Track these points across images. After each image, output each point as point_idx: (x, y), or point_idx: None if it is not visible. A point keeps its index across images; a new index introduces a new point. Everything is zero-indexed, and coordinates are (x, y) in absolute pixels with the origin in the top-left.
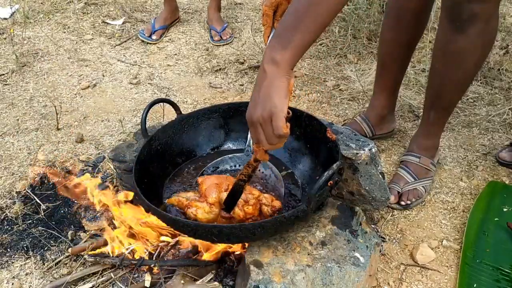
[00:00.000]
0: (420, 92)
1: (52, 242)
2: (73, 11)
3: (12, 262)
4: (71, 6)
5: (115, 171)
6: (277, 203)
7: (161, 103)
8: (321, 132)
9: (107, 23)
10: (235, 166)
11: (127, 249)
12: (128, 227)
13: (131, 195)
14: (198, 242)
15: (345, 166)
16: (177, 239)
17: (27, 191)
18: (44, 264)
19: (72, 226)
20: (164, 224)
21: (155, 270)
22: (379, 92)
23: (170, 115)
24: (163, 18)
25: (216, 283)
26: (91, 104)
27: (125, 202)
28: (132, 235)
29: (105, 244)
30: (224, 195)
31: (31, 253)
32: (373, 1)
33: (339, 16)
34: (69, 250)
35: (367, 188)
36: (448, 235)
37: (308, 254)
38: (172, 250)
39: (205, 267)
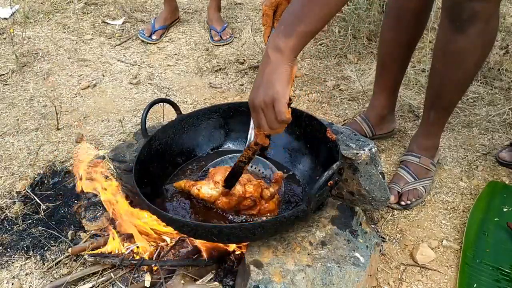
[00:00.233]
0: (420, 92)
1: (52, 242)
2: (73, 11)
3: (12, 262)
4: (71, 6)
5: (115, 171)
6: (276, 186)
7: (161, 103)
8: (321, 132)
9: (107, 23)
10: None
11: (127, 249)
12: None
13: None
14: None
15: (345, 166)
16: (177, 239)
17: (27, 191)
18: (44, 264)
19: (72, 226)
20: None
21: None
22: (379, 92)
23: (170, 115)
24: (163, 18)
25: (216, 283)
26: (91, 104)
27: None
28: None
29: (105, 244)
30: None
31: (31, 253)
32: (373, 1)
33: (339, 16)
34: (69, 250)
35: (367, 188)
36: (448, 235)
37: (308, 254)
38: (172, 250)
39: (205, 267)
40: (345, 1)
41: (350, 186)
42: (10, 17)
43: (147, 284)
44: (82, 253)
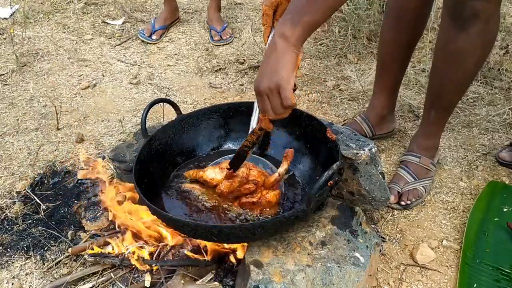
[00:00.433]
0: (420, 92)
1: (52, 242)
2: (73, 11)
3: (12, 262)
4: (71, 6)
5: (115, 171)
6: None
7: (161, 103)
8: (321, 132)
9: (107, 23)
10: None
11: (127, 249)
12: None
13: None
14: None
15: (345, 166)
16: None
17: (27, 191)
18: (44, 264)
19: (72, 226)
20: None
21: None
22: (379, 92)
23: (170, 115)
24: (163, 18)
25: (216, 283)
26: (91, 104)
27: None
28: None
29: (105, 244)
30: None
31: (31, 253)
32: (373, 1)
33: (339, 16)
34: (69, 250)
35: (367, 188)
36: (448, 235)
37: (308, 254)
38: (172, 250)
39: (205, 267)
40: None
41: (350, 186)
42: (10, 17)
43: (147, 284)
44: (82, 253)
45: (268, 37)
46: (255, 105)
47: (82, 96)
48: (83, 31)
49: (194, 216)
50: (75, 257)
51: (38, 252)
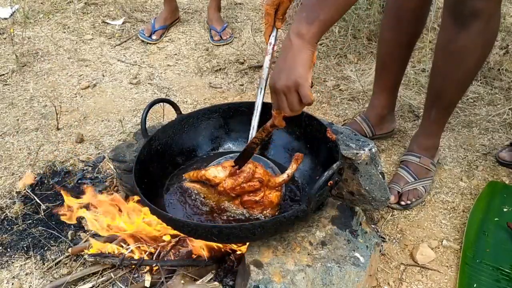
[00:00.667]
0: (420, 92)
1: (52, 242)
2: (73, 11)
3: (12, 262)
4: (71, 6)
5: (115, 171)
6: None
7: (161, 103)
8: (321, 132)
9: (107, 23)
10: None
11: (127, 249)
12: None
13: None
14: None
15: (345, 166)
16: (177, 239)
17: (27, 191)
18: (44, 264)
19: (72, 226)
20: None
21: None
22: (379, 92)
23: (170, 115)
24: (163, 18)
25: (216, 283)
26: (91, 104)
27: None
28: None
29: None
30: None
31: (31, 253)
32: (373, 1)
33: None
34: (69, 250)
35: (367, 188)
36: (448, 235)
37: (308, 254)
38: (172, 250)
39: (205, 267)
40: None
41: (350, 186)
42: (10, 17)
43: (147, 284)
44: (82, 253)
45: (270, 36)
46: (257, 104)
47: (82, 96)
48: (83, 31)
49: (194, 216)
50: (75, 257)
51: (38, 252)
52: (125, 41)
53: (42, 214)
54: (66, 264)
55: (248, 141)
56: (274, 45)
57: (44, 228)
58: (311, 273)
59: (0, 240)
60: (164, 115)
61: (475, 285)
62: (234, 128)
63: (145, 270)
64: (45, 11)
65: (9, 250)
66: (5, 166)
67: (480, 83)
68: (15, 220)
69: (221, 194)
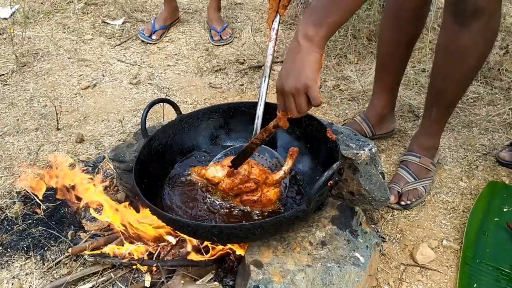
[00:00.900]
0: (420, 92)
1: (52, 242)
2: (73, 11)
3: (12, 262)
4: (71, 6)
5: (115, 171)
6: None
7: (161, 103)
8: (321, 132)
9: (107, 23)
10: None
11: (127, 249)
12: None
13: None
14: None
15: (345, 166)
16: (177, 239)
17: (27, 191)
18: (44, 264)
19: (72, 226)
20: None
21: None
22: (378, 92)
23: (170, 115)
24: (163, 18)
25: (216, 283)
26: (91, 104)
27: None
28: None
29: (105, 244)
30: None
31: (31, 253)
32: (373, 1)
33: None
34: (69, 250)
35: (367, 188)
36: (448, 235)
37: (308, 254)
38: (172, 250)
39: (205, 267)
40: None
41: (350, 186)
42: (10, 17)
43: (147, 284)
44: (82, 253)
45: (273, 21)
46: (261, 92)
47: (82, 96)
48: (83, 31)
49: (195, 216)
50: (75, 257)
51: (38, 252)
52: (125, 41)
53: (42, 214)
54: (66, 264)
55: (251, 138)
56: (277, 31)
57: (44, 228)
58: (311, 273)
59: (0, 240)
60: (164, 115)
61: (475, 285)
62: (234, 128)
63: (145, 270)
64: (45, 11)
65: (9, 250)
66: (5, 166)
67: (480, 83)
68: (15, 220)
69: (223, 192)
